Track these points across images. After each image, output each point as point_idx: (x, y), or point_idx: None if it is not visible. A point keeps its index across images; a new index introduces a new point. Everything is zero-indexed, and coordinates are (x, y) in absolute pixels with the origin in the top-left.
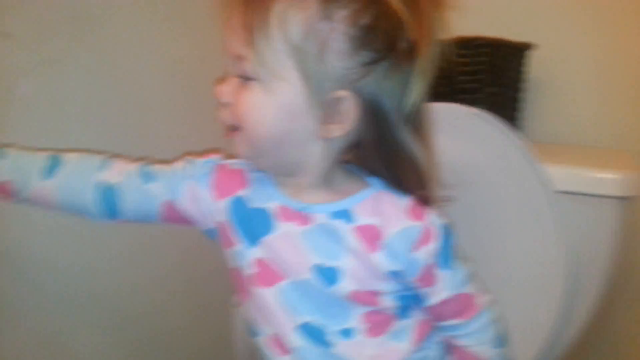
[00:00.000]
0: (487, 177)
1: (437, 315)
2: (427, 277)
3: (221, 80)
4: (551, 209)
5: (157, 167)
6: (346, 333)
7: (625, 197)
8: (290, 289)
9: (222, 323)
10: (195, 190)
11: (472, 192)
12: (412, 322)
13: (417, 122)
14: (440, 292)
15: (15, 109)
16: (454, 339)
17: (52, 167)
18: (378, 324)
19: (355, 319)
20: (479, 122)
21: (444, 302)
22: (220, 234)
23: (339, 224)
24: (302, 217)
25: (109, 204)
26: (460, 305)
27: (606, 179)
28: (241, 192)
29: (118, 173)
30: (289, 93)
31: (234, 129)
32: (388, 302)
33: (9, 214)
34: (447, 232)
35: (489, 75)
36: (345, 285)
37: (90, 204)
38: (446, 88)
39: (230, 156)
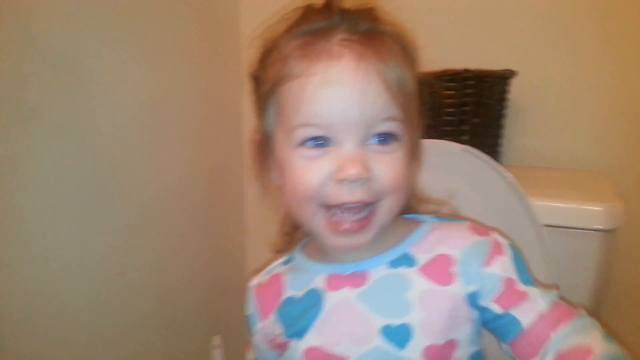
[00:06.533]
0: (475, 211)
1: (534, 339)
2: (510, 294)
3: (349, 157)
4: (540, 243)
5: None
6: None
7: (609, 229)
8: None
9: None
10: (264, 339)
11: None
12: None
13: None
14: (533, 307)
15: None
16: (559, 349)
17: None
18: None
19: None
20: (468, 159)
21: (541, 317)
22: (276, 347)
23: (403, 271)
24: (355, 278)
25: None
26: (559, 312)
27: (590, 212)
28: (285, 293)
29: None
30: (407, 142)
31: (374, 201)
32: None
33: None
34: (515, 249)
35: (475, 107)
36: (419, 343)
37: None
38: (431, 121)
39: (257, 271)
